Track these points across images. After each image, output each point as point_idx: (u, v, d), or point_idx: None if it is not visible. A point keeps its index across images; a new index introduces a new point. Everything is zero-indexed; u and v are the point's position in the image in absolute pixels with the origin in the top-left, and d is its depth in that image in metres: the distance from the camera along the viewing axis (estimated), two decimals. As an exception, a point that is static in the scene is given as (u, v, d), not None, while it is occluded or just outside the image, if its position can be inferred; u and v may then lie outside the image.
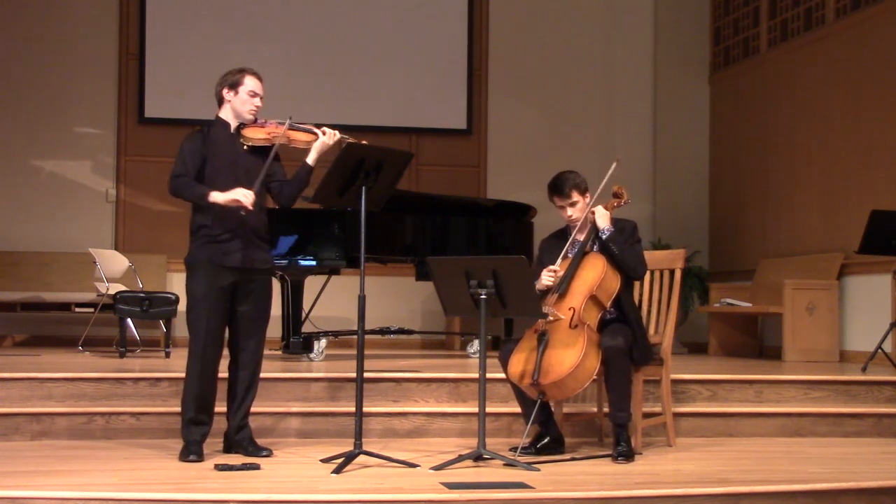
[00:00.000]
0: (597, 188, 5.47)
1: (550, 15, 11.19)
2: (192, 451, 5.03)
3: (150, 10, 10.54)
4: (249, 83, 5.21)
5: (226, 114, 5.24)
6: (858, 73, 8.92)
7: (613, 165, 5.45)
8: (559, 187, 5.44)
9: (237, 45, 10.45)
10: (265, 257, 5.29)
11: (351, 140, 5.18)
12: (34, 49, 10.41)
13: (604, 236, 5.39)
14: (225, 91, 5.22)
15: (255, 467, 4.85)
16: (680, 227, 10.84)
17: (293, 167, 5.29)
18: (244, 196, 5.03)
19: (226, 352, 5.26)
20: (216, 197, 5.06)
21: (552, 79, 11.14)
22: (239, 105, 5.20)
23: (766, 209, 10.13)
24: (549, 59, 11.15)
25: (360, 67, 10.78)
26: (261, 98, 5.24)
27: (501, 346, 5.57)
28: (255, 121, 5.24)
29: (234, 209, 5.06)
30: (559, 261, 5.40)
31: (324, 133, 5.21)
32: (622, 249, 5.37)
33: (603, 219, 5.43)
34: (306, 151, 5.26)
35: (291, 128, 5.21)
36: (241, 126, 5.22)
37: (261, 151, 5.17)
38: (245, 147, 5.17)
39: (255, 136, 5.18)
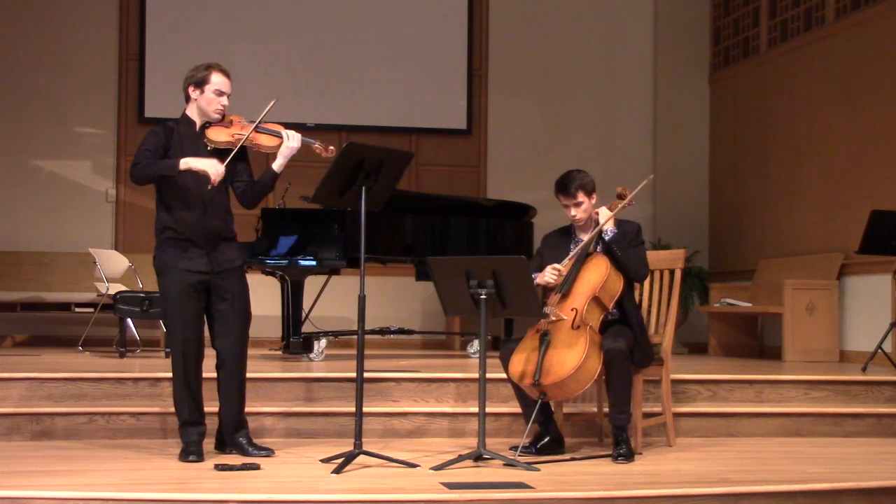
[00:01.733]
0: (626, 200, 5.41)
1: (550, 15, 11.19)
2: (191, 452, 5.03)
3: (150, 10, 10.54)
4: (216, 81, 5.08)
5: (192, 111, 5.16)
6: (858, 73, 8.92)
7: (646, 181, 5.41)
8: (565, 187, 5.42)
9: (237, 45, 10.46)
10: (233, 256, 5.22)
11: (317, 145, 5.12)
12: (34, 49, 10.40)
13: (607, 237, 5.38)
14: (191, 89, 5.11)
15: (255, 467, 4.85)
16: (680, 227, 10.85)
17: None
18: (214, 171, 4.94)
19: (213, 352, 5.25)
20: (190, 163, 4.94)
21: (552, 79, 11.14)
22: (204, 104, 5.10)
23: (766, 209, 10.13)
24: (549, 59, 11.14)
25: (360, 67, 10.78)
26: (228, 96, 5.12)
27: (502, 345, 5.57)
28: (222, 119, 5.14)
29: (200, 185, 5.00)
30: (565, 261, 5.39)
31: (290, 138, 5.07)
32: (625, 251, 5.37)
33: (606, 219, 5.42)
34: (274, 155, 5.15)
35: (257, 130, 5.09)
36: (207, 125, 5.13)
37: (225, 153, 5.07)
38: (208, 147, 5.09)
39: (218, 137, 5.07)
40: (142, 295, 8.17)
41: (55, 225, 10.34)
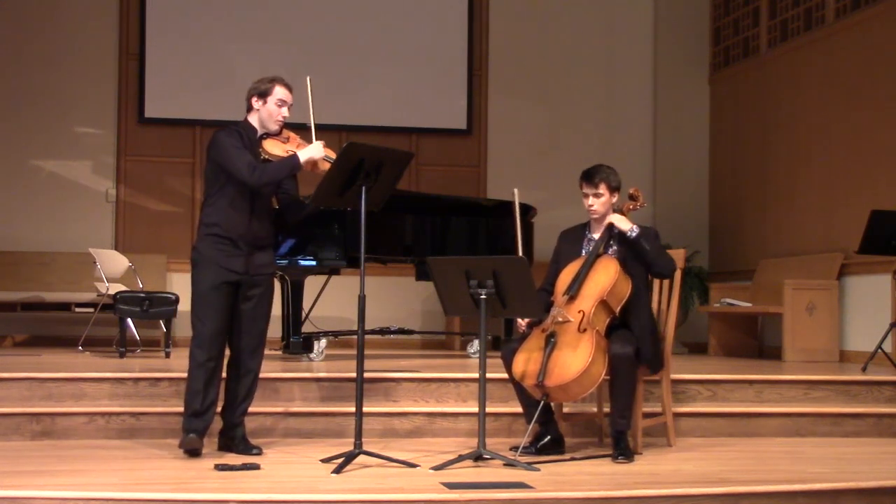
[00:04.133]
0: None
1: (550, 15, 11.19)
2: (192, 431, 5.07)
3: (150, 10, 10.55)
4: (279, 92, 5.25)
5: (253, 119, 5.30)
6: (858, 73, 8.92)
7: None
8: (591, 175, 5.45)
9: (237, 45, 10.46)
10: (269, 261, 5.36)
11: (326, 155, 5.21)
12: (34, 49, 10.41)
13: (633, 234, 5.34)
14: (254, 99, 5.27)
15: (255, 467, 4.85)
16: (680, 227, 10.83)
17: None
18: (320, 155, 5.17)
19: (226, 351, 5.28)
20: (304, 155, 5.16)
21: (552, 79, 11.14)
22: (266, 115, 5.26)
23: (766, 209, 10.13)
24: (549, 60, 11.15)
25: (360, 67, 10.78)
26: (289, 107, 5.28)
27: (503, 345, 5.56)
28: (280, 132, 5.29)
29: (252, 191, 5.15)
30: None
31: None
32: (653, 246, 5.36)
33: (622, 222, 5.39)
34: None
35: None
36: (264, 136, 5.28)
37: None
38: (262, 157, 5.23)
39: (273, 150, 5.23)
40: (142, 295, 8.17)
41: (55, 225, 10.34)
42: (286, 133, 5.33)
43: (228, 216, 5.18)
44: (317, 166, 5.21)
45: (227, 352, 5.31)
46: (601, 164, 5.53)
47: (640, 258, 5.38)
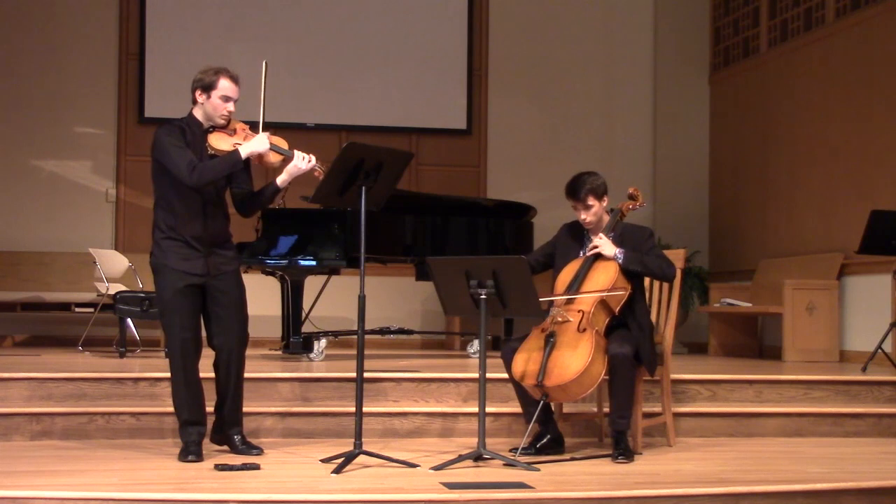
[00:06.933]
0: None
1: (550, 15, 11.19)
2: (190, 452, 5.03)
3: (150, 10, 10.55)
4: (224, 86, 5.09)
5: (198, 113, 5.17)
6: (858, 73, 8.92)
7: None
8: (575, 191, 5.40)
9: (237, 45, 10.45)
10: (229, 257, 5.23)
11: (318, 168, 5.11)
12: (34, 49, 10.41)
13: (620, 261, 5.34)
14: (198, 92, 5.13)
15: (255, 467, 4.85)
16: (680, 227, 10.85)
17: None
18: (264, 147, 5.04)
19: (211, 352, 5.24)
20: (246, 149, 5.02)
21: (552, 79, 11.14)
22: (210, 109, 5.11)
23: (766, 209, 10.13)
24: (549, 60, 11.15)
25: (360, 67, 10.78)
26: (235, 101, 5.13)
27: (503, 345, 5.56)
28: (227, 125, 5.16)
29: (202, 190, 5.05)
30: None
31: (303, 159, 5.08)
32: (643, 264, 5.33)
33: (607, 247, 5.36)
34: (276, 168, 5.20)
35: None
36: (210, 129, 5.14)
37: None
38: (209, 152, 5.11)
39: (219, 145, 5.09)
40: (142, 295, 8.16)
41: (55, 225, 10.34)
42: (234, 125, 5.16)
43: (181, 218, 5.08)
44: (264, 158, 5.09)
45: (213, 353, 5.26)
46: (581, 173, 5.45)
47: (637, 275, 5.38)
